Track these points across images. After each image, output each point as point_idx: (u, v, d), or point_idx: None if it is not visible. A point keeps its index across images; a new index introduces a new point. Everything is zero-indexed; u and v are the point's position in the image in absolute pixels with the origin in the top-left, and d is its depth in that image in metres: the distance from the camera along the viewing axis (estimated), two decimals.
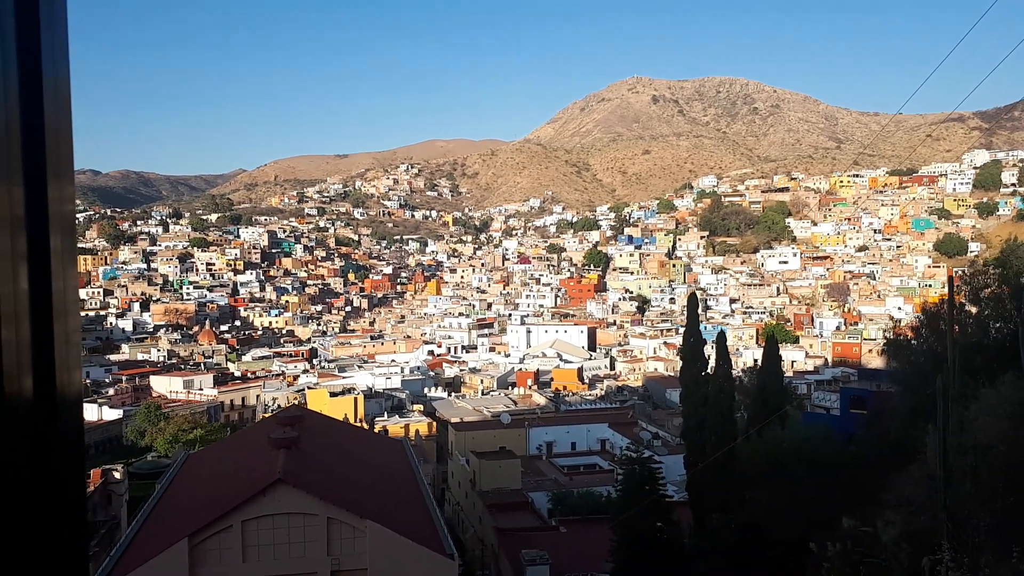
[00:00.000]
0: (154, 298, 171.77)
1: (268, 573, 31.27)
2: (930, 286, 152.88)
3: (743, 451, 23.95)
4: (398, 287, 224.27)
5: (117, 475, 58.00)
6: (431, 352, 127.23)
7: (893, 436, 19.99)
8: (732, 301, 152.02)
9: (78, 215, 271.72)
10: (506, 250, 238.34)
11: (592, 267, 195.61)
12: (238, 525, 31.17)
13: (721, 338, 31.51)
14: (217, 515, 31.27)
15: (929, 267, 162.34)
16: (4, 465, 1.08)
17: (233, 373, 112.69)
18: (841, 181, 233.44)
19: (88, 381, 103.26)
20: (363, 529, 32.02)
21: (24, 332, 1.14)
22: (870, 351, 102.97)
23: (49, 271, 1.17)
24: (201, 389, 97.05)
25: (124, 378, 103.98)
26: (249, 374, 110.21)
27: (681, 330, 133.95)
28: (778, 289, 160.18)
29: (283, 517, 31.78)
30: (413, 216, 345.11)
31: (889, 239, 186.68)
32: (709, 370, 29.32)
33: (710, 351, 31.96)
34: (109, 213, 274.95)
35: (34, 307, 1.16)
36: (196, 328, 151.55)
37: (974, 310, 22.15)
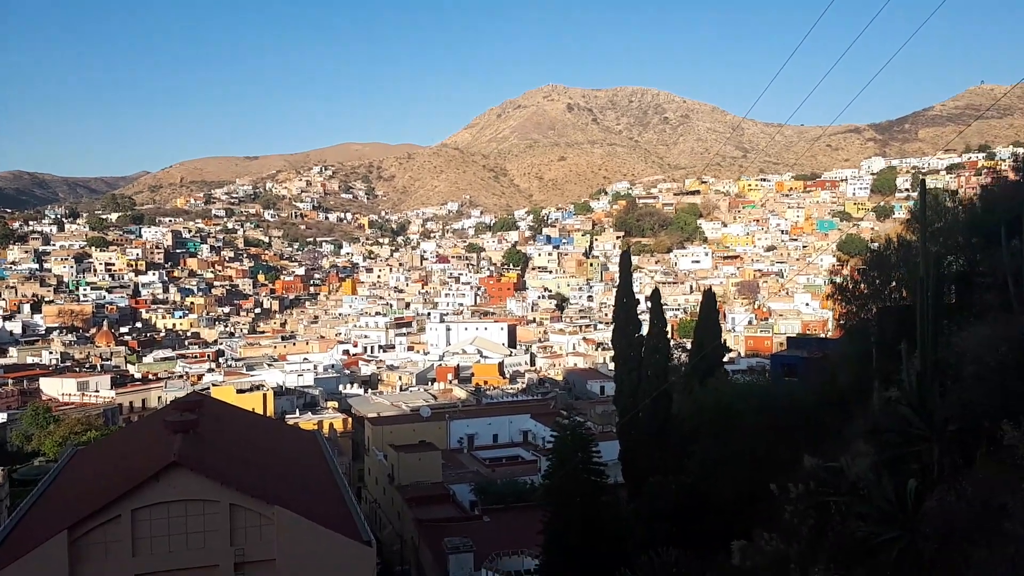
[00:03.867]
0: (47, 299, 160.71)
1: (163, 568, 28.11)
2: (834, 283, 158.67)
3: (683, 407, 22.70)
4: (311, 288, 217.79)
5: None
6: (346, 352, 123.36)
7: (842, 383, 19.07)
8: (647, 299, 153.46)
9: None
10: (424, 252, 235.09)
11: (511, 266, 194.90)
12: (127, 515, 27.85)
13: (655, 296, 30.37)
14: (102, 504, 27.91)
15: (834, 265, 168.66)
16: None
17: (133, 375, 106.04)
18: (749, 185, 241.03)
19: None
20: (270, 516, 29.19)
21: None
22: (781, 344, 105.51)
23: None
24: (97, 391, 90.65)
25: (10, 380, 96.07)
26: (150, 375, 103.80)
27: (599, 327, 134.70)
28: (691, 287, 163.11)
29: (179, 504, 28.63)
30: (327, 218, 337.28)
31: (796, 239, 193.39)
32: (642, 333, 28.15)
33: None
34: None
35: None
36: (93, 330, 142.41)
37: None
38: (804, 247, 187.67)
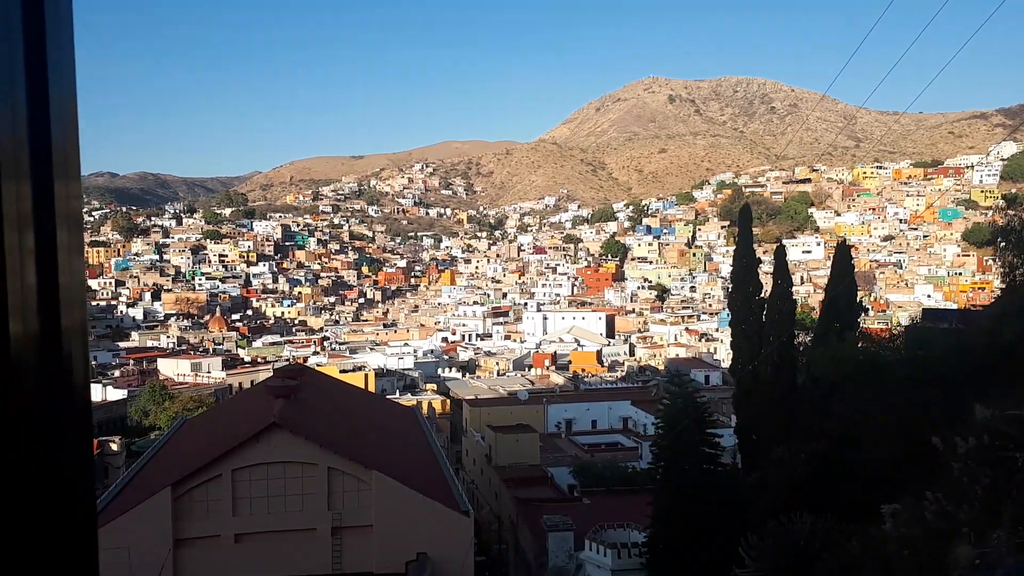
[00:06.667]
0: (166, 288, 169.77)
1: (262, 528, 28.02)
2: (960, 274, 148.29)
3: (817, 366, 20.35)
4: (412, 280, 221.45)
5: (114, 447, 55.29)
6: (445, 339, 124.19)
7: (1007, 337, 16.37)
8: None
9: (94, 213, 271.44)
10: (521, 244, 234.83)
11: (610, 257, 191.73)
12: (228, 474, 27.92)
13: (780, 253, 27.93)
14: (204, 463, 28.07)
15: (958, 256, 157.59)
16: (16, 455, 1.13)
17: (243, 358, 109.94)
18: (864, 173, 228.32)
19: (95, 364, 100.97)
20: (368, 481, 28.67)
21: (32, 325, 1.18)
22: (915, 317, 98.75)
23: (56, 266, 1.21)
24: (209, 372, 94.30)
25: (131, 361, 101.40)
26: (259, 359, 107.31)
27: (703, 317, 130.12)
28: (802, 278, 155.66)
29: (279, 466, 28.50)
30: (428, 214, 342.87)
31: (916, 228, 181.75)
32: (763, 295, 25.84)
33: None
34: (125, 211, 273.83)
35: (42, 301, 1.20)
36: (207, 317, 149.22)
37: None
38: (925, 237, 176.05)
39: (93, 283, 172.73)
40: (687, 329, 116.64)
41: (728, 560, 14.81)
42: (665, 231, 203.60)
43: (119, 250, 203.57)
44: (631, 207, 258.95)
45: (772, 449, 20.65)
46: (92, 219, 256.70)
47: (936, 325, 27.44)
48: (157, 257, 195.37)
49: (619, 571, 20.80)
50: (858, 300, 27.90)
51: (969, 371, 15.17)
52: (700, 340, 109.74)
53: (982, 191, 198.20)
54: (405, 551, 27.89)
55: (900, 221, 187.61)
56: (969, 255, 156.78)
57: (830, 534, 13.73)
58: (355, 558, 28.00)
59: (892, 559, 12.18)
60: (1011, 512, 11.22)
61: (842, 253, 27.30)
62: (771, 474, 18.73)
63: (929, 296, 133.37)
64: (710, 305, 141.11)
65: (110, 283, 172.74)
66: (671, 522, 19.23)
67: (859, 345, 20.03)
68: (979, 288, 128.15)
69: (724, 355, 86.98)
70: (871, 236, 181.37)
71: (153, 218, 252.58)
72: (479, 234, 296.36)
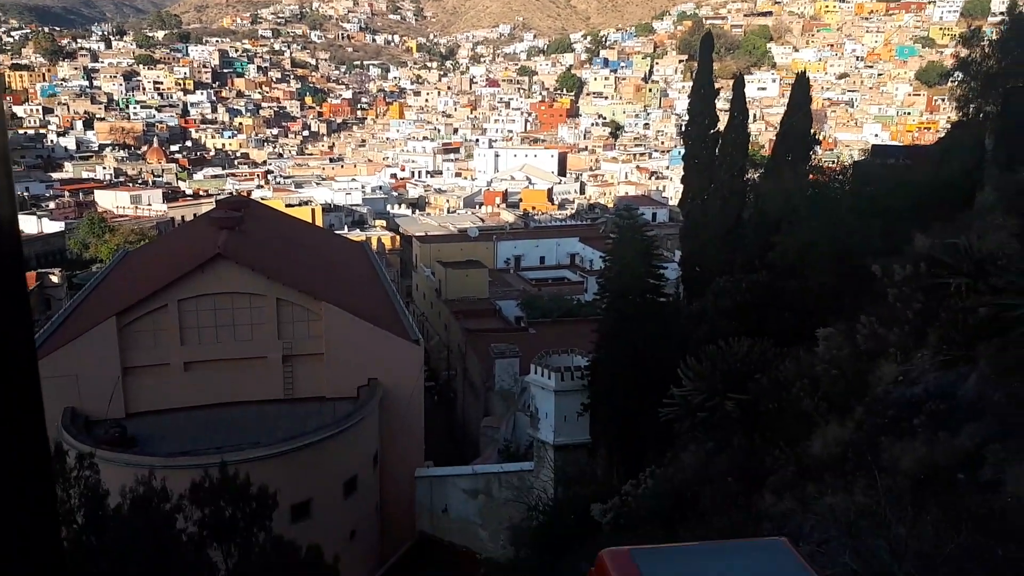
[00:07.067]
0: (98, 116, 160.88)
1: (211, 357, 28.25)
2: (909, 114, 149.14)
3: (767, 199, 20.45)
4: (358, 112, 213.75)
5: (55, 279, 54.15)
6: (394, 176, 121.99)
7: (951, 171, 16.50)
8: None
9: (13, 33, 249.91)
10: (473, 76, 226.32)
11: (565, 91, 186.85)
12: (174, 305, 27.69)
13: (739, 85, 27.39)
14: (148, 293, 27.73)
15: (909, 95, 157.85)
16: None
17: (184, 191, 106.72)
18: (826, 6, 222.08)
19: (27, 195, 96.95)
20: (318, 311, 28.82)
21: None
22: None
23: None
24: (150, 205, 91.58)
25: (67, 193, 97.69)
26: (201, 192, 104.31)
27: (655, 155, 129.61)
28: (755, 116, 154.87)
29: (226, 297, 28.33)
30: (374, 40, 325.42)
31: (871, 67, 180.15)
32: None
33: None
34: (48, 31, 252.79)
35: None
36: (144, 148, 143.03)
37: None
38: (879, 75, 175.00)
39: (18, 109, 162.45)
40: (638, 167, 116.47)
41: (667, 381, 15.47)
42: (623, 64, 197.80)
43: (44, 75, 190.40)
44: (589, 38, 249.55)
45: (715, 280, 21.16)
46: (11, 40, 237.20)
47: (884, 161, 27.66)
48: (87, 83, 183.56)
49: (562, 392, 21.71)
50: (813, 133, 27.73)
51: (913, 204, 15.39)
52: (650, 178, 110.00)
53: (941, 28, 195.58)
54: (356, 377, 28.57)
55: (857, 59, 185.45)
56: (920, 95, 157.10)
57: (765, 356, 14.33)
58: (307, 384, 28.61)
59: (820, 377, 12.79)
60: (938, 333, 11.69)
61: (801, 84, 26.83)
62: (712, 303, 19.28)
63: (876, 136, 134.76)
64: (662, 143, 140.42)
65: (37, 110, 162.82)
66: (614, 347, 19.87)
67: (810, 178, 20.13)
68: (925, 128, 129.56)
69: (673, 193, 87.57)
70: (827, 74, 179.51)
71: (79, 40, 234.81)
72: (429, 64, 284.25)
